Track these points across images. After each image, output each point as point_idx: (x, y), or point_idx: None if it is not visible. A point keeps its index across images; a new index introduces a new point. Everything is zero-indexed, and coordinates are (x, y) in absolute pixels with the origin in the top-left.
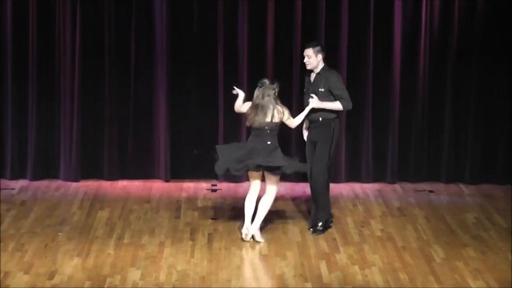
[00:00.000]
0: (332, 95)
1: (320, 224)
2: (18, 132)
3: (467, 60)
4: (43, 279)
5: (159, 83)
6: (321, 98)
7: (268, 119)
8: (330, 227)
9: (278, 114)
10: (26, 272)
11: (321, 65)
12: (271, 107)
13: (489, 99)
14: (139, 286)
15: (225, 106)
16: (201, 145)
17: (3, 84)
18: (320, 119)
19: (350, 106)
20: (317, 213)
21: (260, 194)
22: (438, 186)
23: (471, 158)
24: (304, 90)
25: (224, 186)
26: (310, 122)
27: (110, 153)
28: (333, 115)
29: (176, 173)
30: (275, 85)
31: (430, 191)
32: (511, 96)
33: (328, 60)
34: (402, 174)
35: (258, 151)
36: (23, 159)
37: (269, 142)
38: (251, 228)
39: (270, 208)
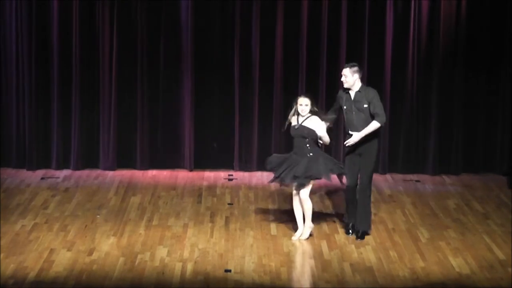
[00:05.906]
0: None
1: (360, 233)
2: (63, 128)
3: (452, 63)
4: (83, 255)
5: (185, 84)
6: (367, 113)
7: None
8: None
9: None
10: (68, 250)
11: (359, 83)
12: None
13: (470, 101)
14: (166, 261)
15: (240, 105)
16: (221, 139)
17: (50, 85)
18: None
19: (384, 120)
20: (358, 220)
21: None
22: (424, 177)
23: (455, 151)
24: (345, 107)
25: (240, 176)
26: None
27: (142, 146)
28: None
29: (199, 164)
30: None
31: (417, 181)
32: (489, 97)
33: (328, 65)
34: (392, 166)
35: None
36: (67, 152)
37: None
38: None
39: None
